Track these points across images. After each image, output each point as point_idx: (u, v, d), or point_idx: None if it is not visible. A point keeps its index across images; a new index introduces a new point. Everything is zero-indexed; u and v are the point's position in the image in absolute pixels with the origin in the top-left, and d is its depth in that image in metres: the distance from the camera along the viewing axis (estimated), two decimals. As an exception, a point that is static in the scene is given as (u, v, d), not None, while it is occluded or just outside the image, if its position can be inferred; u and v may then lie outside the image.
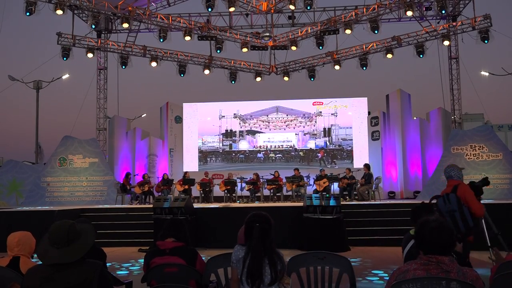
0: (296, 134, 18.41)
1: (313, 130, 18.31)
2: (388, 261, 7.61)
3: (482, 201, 4.68)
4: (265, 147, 18.51)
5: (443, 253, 2.35)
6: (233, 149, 18.75)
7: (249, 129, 18.83)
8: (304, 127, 18.31)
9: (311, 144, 18.29)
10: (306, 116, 18.60)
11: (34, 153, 19.46)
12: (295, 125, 18.57)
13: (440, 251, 2.35)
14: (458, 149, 13.60)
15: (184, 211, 9.50)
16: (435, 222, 2.38)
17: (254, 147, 18.53)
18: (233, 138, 18.87)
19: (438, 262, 2.32)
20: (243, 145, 18.61)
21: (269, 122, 18.65)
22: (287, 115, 18.80)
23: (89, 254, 2.59)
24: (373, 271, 6.93)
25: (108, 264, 4.96)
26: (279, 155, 18.61)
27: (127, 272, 7.24)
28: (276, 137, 18.49)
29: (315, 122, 18.43)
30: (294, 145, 18.27)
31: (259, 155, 18.58)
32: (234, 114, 18.98)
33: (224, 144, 18.85)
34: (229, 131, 18.97)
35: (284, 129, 18.68)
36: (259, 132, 18.63)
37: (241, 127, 18.72)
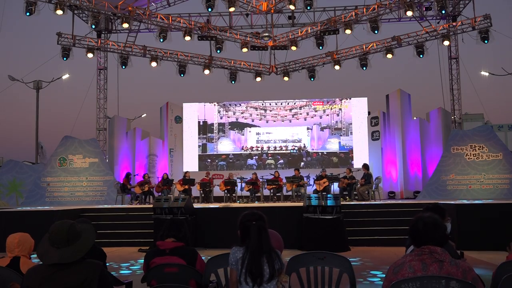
0: (308, 128, 13.03)
1: (336, 122, 12.89)
2: (388, 261, 7.61)
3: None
4: (259, 148, 13.08)
5: (436, 245, 2.47)
6: (208, 153, 13.43)
7: (235, 120, 13.22)
8: (321, 117, 12.90)
9: (333, 145, 12.72)
10: (325, 100, 12.34)
11: (35, 153, 19.43)
12: (307, 114, 13.01)
13: (433, 243, 2.47)
14: (458, 149, 13.60)
15: (184, 211, 9.50)
16: (430, 218, 2.53)
17: (242, 148, 13.19)
18: (209, 135, 13.69)
19: (431, 252, 2.43)
20: (225, 145, 13.22)
21: (265, 110, 12.57)
22: (294, 101, 13.04)
23: (89, 254, 2.60)
24: (373, 271, 6.93)
25: (108, 264, 4.96)
26: (281, 161, 13.16)
27: (127, 272, 7.24)
28: (277, 133, 12.95)
29: (340, 109, 12.71)
30: (305, 146, 12.99)
31: (250, 161, 12.95)
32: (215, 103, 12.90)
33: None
34: (201, 123, 13.72)
35: (290, 121, 12.93)
36: (250, 126, 13.03)
37: (221, 118, 13.23)
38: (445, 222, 3.69)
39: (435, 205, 3.98)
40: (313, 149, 12.67)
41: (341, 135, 12.55)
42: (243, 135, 12.96)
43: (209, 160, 13.09)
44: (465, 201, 10.87)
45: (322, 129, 12.67)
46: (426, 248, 2.45)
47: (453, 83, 17.58)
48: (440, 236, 2.49)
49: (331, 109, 14.74)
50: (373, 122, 16.79)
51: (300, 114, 12.43)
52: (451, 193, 13.22)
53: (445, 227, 2.57)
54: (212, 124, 12.99)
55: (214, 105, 13.09)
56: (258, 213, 3.01)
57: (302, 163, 12.55)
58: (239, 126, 12.83)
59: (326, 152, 12.53)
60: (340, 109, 13.56)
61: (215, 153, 12.73)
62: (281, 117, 12.82)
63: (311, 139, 12.76)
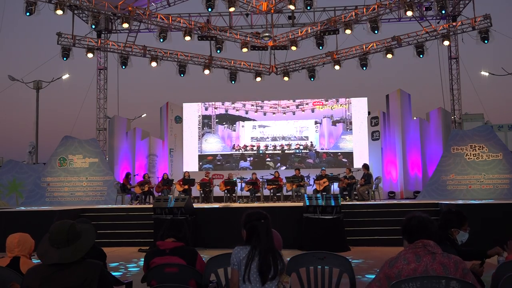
0: (317, 122, 10.85)
1: (351, 115, 10.46)
2: (388, 261, 7.59)
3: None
4: (254, 147, 10.88)
5: (429, 239, 2.60)
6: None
7: (224, 113, 11.22)
8: (332, 109, 10.49)
9: (348, 143, 10.65)
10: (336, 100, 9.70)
11: (28, 153, 19.37)
12: (315, 105, 10.40)
13: (427, 238, 2.59)
14: (458, 149, 13.60)
15: (184, 211, 9.50)
16: (422, 216, 2.70)
17: (233, 147, 11.21)
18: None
19: (424, 245, 2.56)
20: (211, 144, 11.19)
21: (263, 101, 10.68)
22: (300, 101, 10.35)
23: (89, 254, 2.60)
24: (373, 271, 6.93)
25: (108, 264, 4.96)
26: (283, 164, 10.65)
27: (127, 272, 7.23)
28: (278, 127, 10.81)
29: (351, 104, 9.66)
30: (314, 145, 10.81)
31: (243, 163, 10.92)
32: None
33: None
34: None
35: (294, 113, 10.83)
36: (244, 119, 10.96)
37: (206, 109, 10.99)
38: (464, 230, 3.52)
39: (458, 211, 3.71)
40: (322, 149, 10.34)
41: (358, 131, 8.75)
42: (234, 130, 10.68)
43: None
44: (462, 201, 10.86)
45: (334, 123, 10.34)
46: (419, 242, 2.58)
47: (453, 83, 17.58)
48: (433, 231, 2.63)
49: (342, 105, 13.13)
50: (373, 122, 16.78)
51: (307, 104, 9.77)
52: (451, 193, 13.22)
53: (435, 223, 2.70)
54: (197, 117, 10.04)
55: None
56: (264, 212, 3.01)
57: (310, 161, 9.93)
58: (229, 120, 10.37)
59: (340, 152, 9.95)
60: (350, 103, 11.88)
61: (199, 153, 9.99)
62: (283, 108, 10.46)
63: (320, 135, 10.34)
